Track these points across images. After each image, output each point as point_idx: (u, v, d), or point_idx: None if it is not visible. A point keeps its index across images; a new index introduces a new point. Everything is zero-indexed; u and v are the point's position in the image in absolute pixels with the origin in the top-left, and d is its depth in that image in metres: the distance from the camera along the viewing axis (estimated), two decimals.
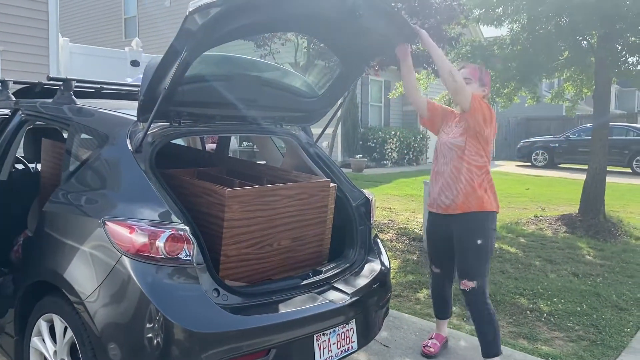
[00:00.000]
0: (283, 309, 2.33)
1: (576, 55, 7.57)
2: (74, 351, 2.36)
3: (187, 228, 2.20)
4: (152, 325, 2.07)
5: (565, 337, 3.85)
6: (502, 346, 3.59)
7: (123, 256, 2.16)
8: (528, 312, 4.28)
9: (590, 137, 8.07)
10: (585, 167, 8.20)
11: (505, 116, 24.62)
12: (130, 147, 2.42)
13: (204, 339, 2.09)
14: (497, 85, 7.73)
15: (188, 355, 2.07)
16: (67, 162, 2.64)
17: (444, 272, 3.40)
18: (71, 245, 2.34)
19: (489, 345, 3.11)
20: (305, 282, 2.56)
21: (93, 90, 3.64)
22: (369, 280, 2.79)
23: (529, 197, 10.96)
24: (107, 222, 2.23)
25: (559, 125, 23.57)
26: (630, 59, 7.63)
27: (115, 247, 2.17)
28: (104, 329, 2.14)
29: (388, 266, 3.06)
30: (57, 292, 2.38)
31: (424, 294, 4.65)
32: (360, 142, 16.67)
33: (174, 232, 2.17)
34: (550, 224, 7.75)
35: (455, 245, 3.16)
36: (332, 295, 2.55)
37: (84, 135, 2.68)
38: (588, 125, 18.71)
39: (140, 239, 2.15)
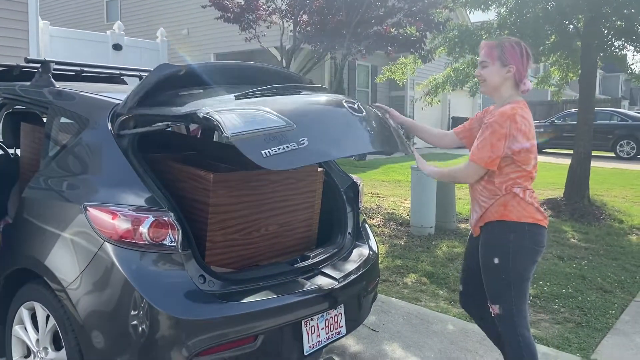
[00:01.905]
0: (271, 294, 2.30)
1: (563, 40, 7.58)
2: (57, 339, 2.31)
3: (171, 214, 2.15)
4: (136, 312, 2.02)
5: (551, 319, 3.88)
6: None
7: (106, 242, 2.10)
8: None
9: (575, 122, 8.11)
10: (570, 151, 8.25)
11: (491, 102, 24.69)
12: (112, 131, 2.35)
13: (190, 326, 2.05)
14: None
15: (174, 342, 2.04)
16: (46, 147, 2.56)
17: (466, 291, 2.82)
18: (52, 232, 2.27)
19: None
20: (293, 267, 2.52)
21: (73, 73, 3.54)
22: (358, 265, 2.77)
23: None
24: (88, 208, 2.17)
25: (544, 110, 23.75)
26: (616, 43, 7.65)
27: (98, 234, 2.12)
28: (87, 317, 2.09)
29: (376, 251, 3.04)
30: (38, 280, 2.32)
31: (412, 278, 4.65)
32: None
33: (158, 217, 2.12)
34: None
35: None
36: (321, 280, 2.53)
37: (63, 119, 2.61)
38: (573, 110, 18.87)
39: (123, 224, 2.10)
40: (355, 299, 2.70)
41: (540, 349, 3.35)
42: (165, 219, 2.13)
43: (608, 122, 17.49)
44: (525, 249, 2.40)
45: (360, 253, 2.91)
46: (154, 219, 2.11)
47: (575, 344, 3.45)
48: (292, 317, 2.32)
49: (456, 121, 21.02)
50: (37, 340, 2.39)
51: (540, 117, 22.20)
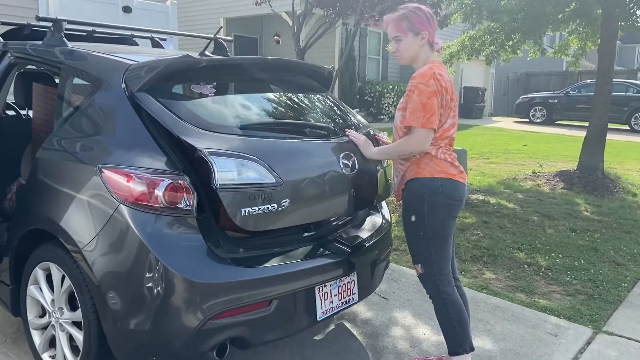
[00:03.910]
0: (285, 260, 2.29)
1: (583, 6, 7.36)
2: (72, 300, 2.33)
3: (186, 177, 2.12)
4: (151, 274, 2.02)
5: (563, 290, 3.87)
6: (500, 299, 3.62)
7: (121, 205, 2.09)
8: (526, 266, 4.30)
9: (590, 94, 7.96)
10: (584, 124, 8.13)
11: (504, 72, 24.31)
12: (125, 92, 2.31)
13: (204, 289, 2.05)
14: (502, 38, 7.54)
15: (189, 305, 2.04)
16: (59, 108, 2.53)
17: None
18: (67, 193, 2.26)
19: (448, 341, 2.55)
20: (307, 234, 2.51)
21: (85, 33, 3.48)
22: (371, 233, 2.75)
23: (527, 153, 10.91)
24: (103, 170, 2.15)
25: (558, 81, 23.32)
26: (638, 12, 7.43)
27: (113, 196, 2.10)
28: (103, 278, 2.10)
29: (389, 220, 3.02)
30: (54, 241, 2.32)
31: None
32: (357, 96, 16.43)
33: (173, 181, 2.09)
34: (548, 180, 7.73)
35: None
36: (335, 247, 2.51)
37: (76, 80, 2.56)
38: (588, 81, 18.52)
39: (138, 187, 2.08)
40: (368, 267, 2.69)
41: (552, 320, 3.36)
42: (181, 182, 2.10)
43: (623, 94, 17.14)
44: (439, 204, 2.42)
45: (373, 221, 2.89)
46: (169, 181, 2.09)
47: (587, 316, 3.45)
48: (306, 282, 2.31)
49: (468, 91, 20.69)
50: (53, 300, 2.41)
51: (555, 88, 21.82)
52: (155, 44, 3.91)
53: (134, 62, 2.41)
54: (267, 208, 2.17)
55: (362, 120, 3.01)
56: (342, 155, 2.49)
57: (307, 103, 2.86)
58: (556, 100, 18.42)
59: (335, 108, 2.95)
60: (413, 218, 2.47)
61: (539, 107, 18.85)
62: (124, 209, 2.08)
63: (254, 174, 2.16)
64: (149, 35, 3.85)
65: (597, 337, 3.19)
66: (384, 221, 2.92)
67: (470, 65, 19.40)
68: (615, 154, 10.58)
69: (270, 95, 2.76)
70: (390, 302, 3.51)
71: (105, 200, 2.12)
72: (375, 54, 18.10)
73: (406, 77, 18.65)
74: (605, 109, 7.48)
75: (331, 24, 9.22)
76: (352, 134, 2.66)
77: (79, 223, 2.19)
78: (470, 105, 20.42)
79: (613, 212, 6.14)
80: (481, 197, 6.59)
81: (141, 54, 2.75)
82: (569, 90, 18.54)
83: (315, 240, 2.51)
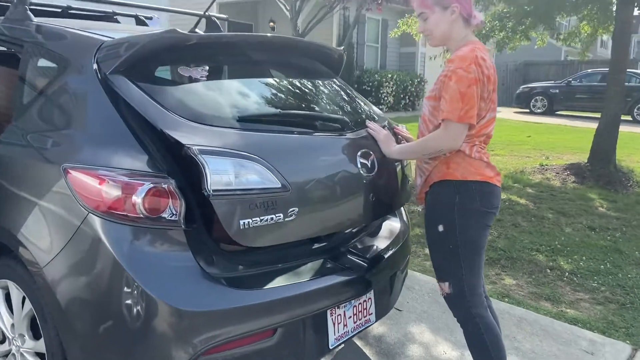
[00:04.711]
0: (292, 279, 1.90)
1: None
2: (35, 326, 1.94)
3: (172, 180, 1.72)
4: (128, 301, 1.63)
5: (591, 299, 3.52)
6: (525, 310, 3.26)
7: (90, 214, 1.69)
8: (548, 270, 3.94)
9: (592, 84, 7.60)
10: (585, 114, 7.77)
11: (503, 61, 23.91)
12: (98, 76, 1.90)
13: (194, 319, 1.66)
14: (512, 23, 7.14)
15: (174, 338, 1.65)
16: (20, 94, 2.12)
17: None
18: (26, 199, 1.86)
19: None
20: (317, 245, 2.12)
21: (59, 10, 3.05)
22: (389, 242, 2.36)
23: (531, 144, 10.55)
24: (69, 170, 1.75)
25: (558, 70, 22.97)
26: None
27: (81, 203, 1.70)
28: (69, 305, 1.70)
29: (407, 224, 2.64)
30: (13, 254, 1.92)
31: None
32: (355, 86, 15.96)
33: (156, 184, 1.69)
34: (557, 173, 7.38)
35: None
36: (348, 260, 2.13)
37: (42, 61, 2.15)
38: (589, 70, 18.16)
39: (112, 192, 1.68)
40: (387, 282, 2.31)
41: (585, 334, 3.00)
42: (165, 186, 1.71)
43: (627, 84, 16.76)
44: (473, 212, 2.02)
45: (390, 227, 2.50)
46: (151, 185, 1.69)
47: (622, 329, 3.09)
48: (317, 306, 1.92)
49: None
50: (12, 325, 2.02)
51: (554, 77, 21.44)
52: (140, 23, 3.49)
53: (109, 39, 2.00)
54: (272, 219, 1.77)
55: (377, 110, 2.60)
56: (359, 153, 2.10)
57: (316, 90, 2.45)
58: (557, 90, 18.03)
59: (347, 96, 2.54)
60: (440, 228, 2.05)
61: (540, 97, 18.46)
62: (94, 220, 1.68)
63: (255, 176, 1.76)
64: (132, 13, 3.42)
65: (638, 354, 2.84)
66: (402, 226, 2.53)
67: None
68: (622, 146, 10.19)
69: (274, 81, 2.34)
70: (405, 315, 3.13)
71: (71, 208, 1.72)
72: (374, 42, 17.60)
73: (405, 66, 18.23)
74: (618, 99, 7.13)
75: (331, 7, 8.78)
76: (372, 126, 2.26)
77: (40, 236, 1.79)
78: None
79: (630, 207, 5.79)
80: None
81: (120, 32, 2.33)
82: (570, 80, 18.15)
83: (327, 253, 2.12)
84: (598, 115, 7.51)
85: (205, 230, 1.80)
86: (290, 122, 2.07)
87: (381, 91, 16.13)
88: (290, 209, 1.81)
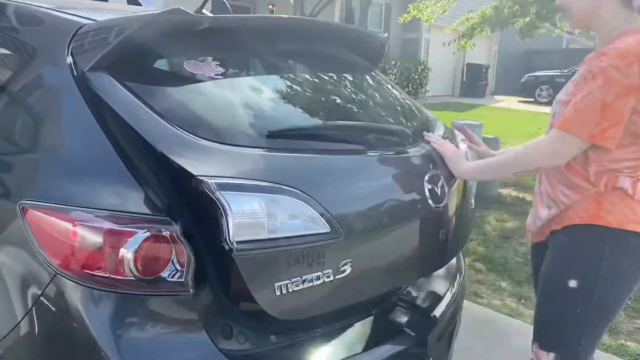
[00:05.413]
0: (335, 351, 1.41)
1: None
2: None
3: (176, 226, 1.20)
4: None
5: None
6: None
7: (58, 275, 1.17)
8: None
9: None
10: None
11: (505, 49, 23.42)
12: (74, 72, 1.36)
13: None
14: (537, 6, 6.61)
15: None
16: None
17: None
18: None
19: None
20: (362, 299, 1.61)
21: None
22: (447, 287, 1.85)
23: None
24: (28, 209, 1.23)
25: (561, 59, 22.50)
26: None
27: (44, 258, 1.18)
28: None
29: (464, 260, 2.14)
30: None
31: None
32: None
33: (152, 233, 1.18)
34: None
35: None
36: (402, 316, 1.63)
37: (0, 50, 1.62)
38: None
39: (89, 243, 1.16)
40: (446, 340, 1.81)
41: None
42: (167, 234, 1.19)
43: None
44: (625, 272, 1.52)
45: (447, 266, 1.99)
46: (147, 234, 1.17)
47: None
48: None
49: (471, 68, 19.80)
50: None
51: (556, 66, 20.96)
52: (132, 2, 2.92)
53: (89, 22, 1.46)
54: (318, 277, 1.27)
55: (430, 113, 2.08)
56: (427, 177, 1.58)
57: (360, 91, 1.92)
58: (563, 80, 17.53)
59: (395, 97, 2.02)
60: (573, 284, 1.54)
61: (545, 87, 18.02)
62: (64, 283, 1.17)
63: (296, 219, 1.25)
64: None
65: None
66: (461, 266, 2.02)
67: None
68: None
69: (310, 80, 1.80)
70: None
71: (30, 265, 1.20)
72: (377, 28, 16.98)
73: (408, 53, 17.60)
74: None
75: None
76: (434, 139, 1.74)
77: None
78: (474, 83, 19.61)
79: None
80: (513, 193, 5.77)
81: (106, 12, 1.79)
82: (576, 68, 17.64)
83: (376, 306, 1.62)
84: None
85: (220, 290, 1.29)
86: (337, 136, 1.53)
87: None
88: (343, 262, 1.30)
